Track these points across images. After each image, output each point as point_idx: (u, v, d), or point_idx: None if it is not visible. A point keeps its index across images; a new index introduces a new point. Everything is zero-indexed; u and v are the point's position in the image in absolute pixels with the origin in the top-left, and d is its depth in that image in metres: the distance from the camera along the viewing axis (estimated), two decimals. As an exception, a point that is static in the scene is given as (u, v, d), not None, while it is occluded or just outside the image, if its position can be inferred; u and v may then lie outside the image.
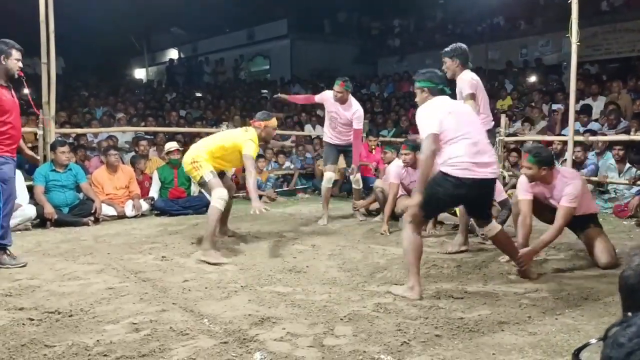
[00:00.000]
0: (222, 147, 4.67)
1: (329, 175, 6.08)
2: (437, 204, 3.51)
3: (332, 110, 5.92)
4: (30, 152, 5.04)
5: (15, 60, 4.06)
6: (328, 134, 6.09)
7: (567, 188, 3.85)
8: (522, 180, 4.14)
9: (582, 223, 4.10)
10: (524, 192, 4.09)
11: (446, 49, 4.60)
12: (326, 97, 5.99)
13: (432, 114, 3.34)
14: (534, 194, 4.06)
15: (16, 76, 4.13)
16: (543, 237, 3.86)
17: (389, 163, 6.57)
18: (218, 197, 4.41)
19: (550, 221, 4.00)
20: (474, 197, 3.45)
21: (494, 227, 3.62)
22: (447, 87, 3.55)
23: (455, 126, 3.33)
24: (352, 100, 5.91)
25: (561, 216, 3.84)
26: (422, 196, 3.23)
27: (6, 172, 4.10)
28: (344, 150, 6.09)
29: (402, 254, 3.51)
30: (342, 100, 5.80)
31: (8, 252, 4.13)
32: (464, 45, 4.61)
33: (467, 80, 4.44)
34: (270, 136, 4.91)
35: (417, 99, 3.57)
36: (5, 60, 4.02)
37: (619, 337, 0.86)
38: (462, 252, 4.53)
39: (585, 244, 4.15)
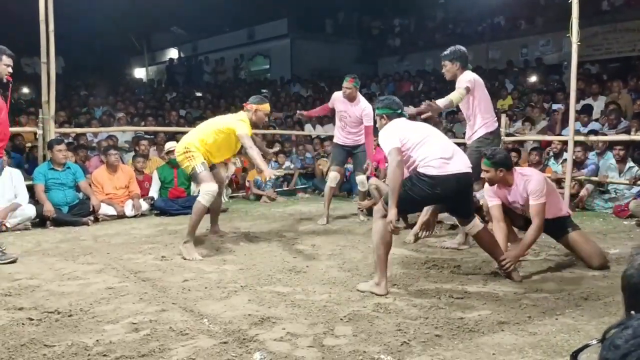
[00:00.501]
0: (216, 132, 4.58)
1: (334, 175, 6.08)
2: (412, 204, 3.54)
3: (341, 109, 5.94)
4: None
5: (4, 66, 4.13)
6: (337, 135, 6.10)
7: (530, 185, 3.83)
8: (487, 187, 4.15)
9: (559, 228, 4.04)
10: (490, 197, 4.11)
11: (445, 52, 4.61)
12: (335, 97, 6.00)
13: (390, 133, 3.47)
14: (500, 199, 4.06)
15: (4, 80, 4.19)
16: (525, 240, 3.85)
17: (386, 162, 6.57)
18: (206, 191, 4.38)
19: (524, 227, 4.02)
20: (452, 194, 3.44)
21: (476, 225, 3.63)
22: (404, 112, 3.72)
23: (415, 134, 3.48)
24: (361, 97, 5.95)
25: (536, 214, 3.81)
26: (395, 207, 3.26)
27: None
28: (353, 151, 6.10)
29: (373, 248, 3.48)
30: (351, 98, 5.82)
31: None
32: (462, 48, 4.63)
33: (466, 78, 4.46)
34: (261, 121, 4.82)
35: (377, 126, 3.72)
36: None
37: (615, 339, 0.86)
38: (459, 250, 4.53)
39: (570, 249, 4.08)
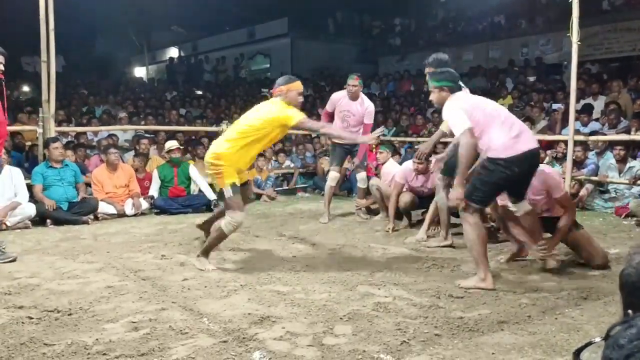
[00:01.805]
0: (251, 129, 3.85)
1: (334, 175, 6.06)
2: (492, 190, 3.50)
3: (344, 109, 5.88)
4: None
5: None
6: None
7: (550, 181, 3.88)
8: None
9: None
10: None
11: (430, 61, 4.56)
12: (335, 98, 5.94)
13: (459, 111, 3.44)
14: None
15: None
16: (561, 226, 3.89)
17: (383, 163, 6.56)
18: (230, 220, 3.85)
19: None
20: (524, 173, 3.48)
21: (526, 206, 3.71)
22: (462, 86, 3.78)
23: (481, 112, 3.46)
24: (363, 95, 5.95)
25: (566, 202, 3.95)
26: (467, 188, 3.37)
27: None
28: (352, 150, 6.09)
29: (468, 247, 3.55)
30: (355, 96, 5.81)
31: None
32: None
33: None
34: (295, 101, 4.01)
35: (433, 97, 3.67)
36: None
37: (619, 339, 0.86)
38: (441, 247, 4.60)
39: (573, 248, 4.12)
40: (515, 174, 3.40)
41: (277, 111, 3.86)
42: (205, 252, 4.00)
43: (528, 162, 3.43)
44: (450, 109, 3.49)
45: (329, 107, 6.06)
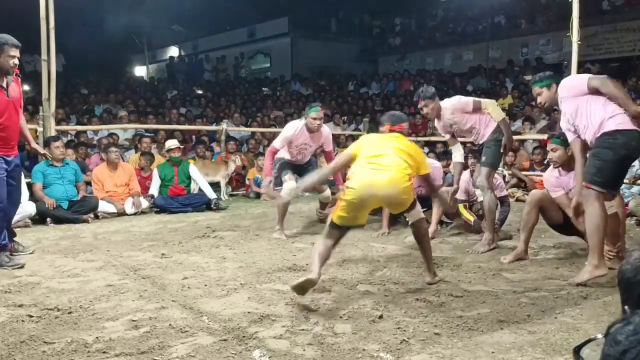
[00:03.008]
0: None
1: (291, 186, 5.08)
2: (615, 171, 3.39)
3: (302, 142, 5.28)
4: (35, 146, 4.70)
5: (8, 57, 3.80)
6: (288, 157, 5.40)
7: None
8: (546, 178, 4.22)
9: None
10: (553, 188, 4.12)
11: (424, 94, 4.64)
12: (291, 134, 5.19)
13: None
14: (563, 188, 4.06)
15: (11, 73, 3.92)
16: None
17: None
18: None
19: (563, 225, 4.12)
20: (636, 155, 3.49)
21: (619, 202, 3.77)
22: None
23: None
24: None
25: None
26: (592, 170, 3.33)
27: None
28: (299, 167, 5.45)
29: (588, 233, 3.46)
30: (317, 129, 5.19)
31: (13, 249, 4.13)
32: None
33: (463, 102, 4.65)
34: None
35: (544, 98, 3.83)
36: None
37: (617, 335, 0.87)
38: (492, 249, 4.47)
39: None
40: (634, 150, 3.35)
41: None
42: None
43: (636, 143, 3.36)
44: (570, 79, 3.64)
45: (277, 145, 5.22)
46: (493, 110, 4.54)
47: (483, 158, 4.61)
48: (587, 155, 3.53)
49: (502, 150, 4.59)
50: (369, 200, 3.22)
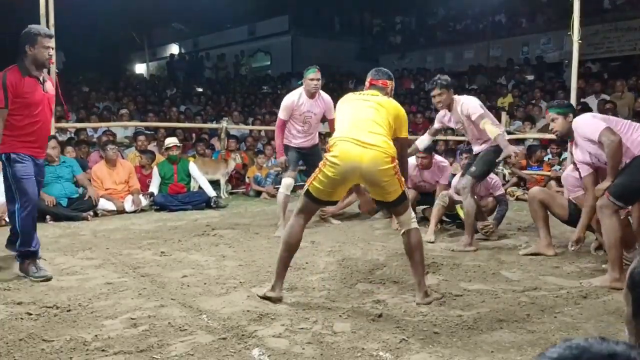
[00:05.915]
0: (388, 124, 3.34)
1: (289, 182, 5.22)
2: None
3: (305, 110, 5.18)
4: None
5: (43, 48, 3.57)
6: (293, 139, 5.30)
7: None
8: (565, 177, 4.26)
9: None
10: (573, 188, 4.13)
11: (441, 82, 4.56)
12: (291, 103, 5.14)
13: (588, 119, 3.60)
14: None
15: (47, 65, 3.76)
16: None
17: None
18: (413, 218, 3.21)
19: (573, 218, 4.10)
20: None
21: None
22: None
23: (615, 120, 3.62)
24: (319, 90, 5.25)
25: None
26: (619, 185, 3.36)
27: (19, 170, 3.62)
28: (306, 153, 5.35)
29: (607, 246, 3.52)
30: (315, 93, 5.14)
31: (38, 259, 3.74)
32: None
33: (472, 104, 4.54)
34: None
35: (558, 126, 3.77)
36: (31, 49, 3.55)
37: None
38: (467, 252, 4.45)
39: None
40: None
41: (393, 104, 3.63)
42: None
43: None
44: (582, 122, 3.59)
45: (282, 116, 5.20)
46: (490, 130, 4.33)
47: (472, 168, 4.56)
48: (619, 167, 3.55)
49: (497, 160, 4.58)
50: (350, 178, 3.05)
